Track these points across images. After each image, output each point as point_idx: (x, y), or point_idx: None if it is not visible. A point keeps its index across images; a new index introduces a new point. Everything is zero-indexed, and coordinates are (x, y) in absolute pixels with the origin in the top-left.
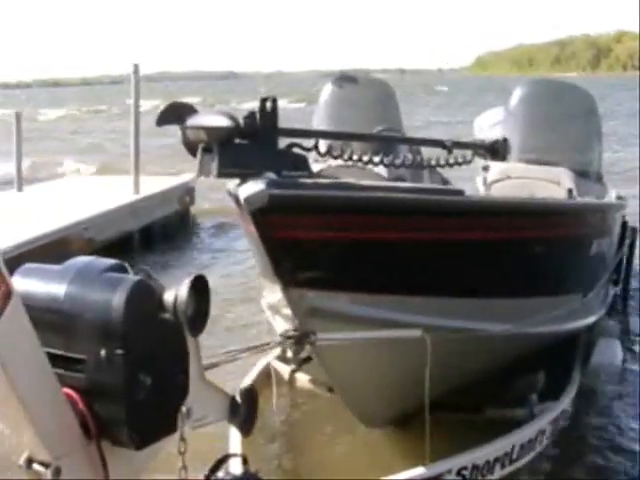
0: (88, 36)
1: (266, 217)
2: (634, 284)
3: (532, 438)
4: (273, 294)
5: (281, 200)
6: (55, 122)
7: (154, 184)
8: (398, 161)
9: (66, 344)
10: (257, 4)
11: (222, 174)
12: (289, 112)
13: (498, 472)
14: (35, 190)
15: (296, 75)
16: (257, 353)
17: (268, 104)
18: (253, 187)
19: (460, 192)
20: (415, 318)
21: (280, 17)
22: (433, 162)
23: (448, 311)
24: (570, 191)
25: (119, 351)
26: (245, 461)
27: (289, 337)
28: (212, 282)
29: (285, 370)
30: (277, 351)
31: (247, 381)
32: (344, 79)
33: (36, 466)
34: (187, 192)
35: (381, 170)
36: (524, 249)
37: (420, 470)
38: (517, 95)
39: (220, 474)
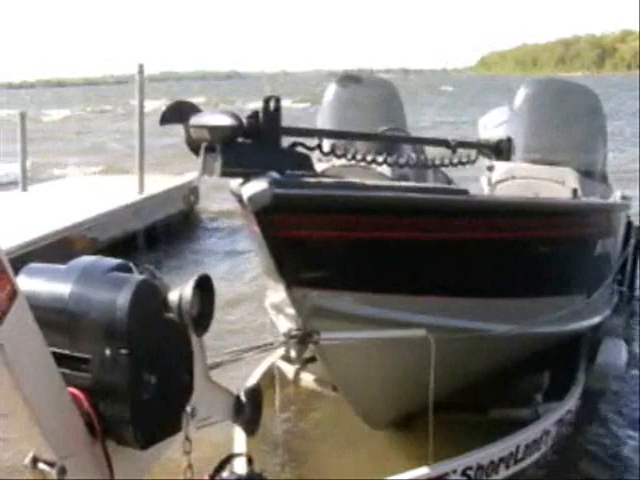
0: (92, 36)
1: (269, 216)
2: (639, 284)
3: (537, 438)
4: (277, 293)
5: (285, 199)
6: (60, 123)
7: (158, 184)
8: (402, 161)
9: (71, 344)
10: (261, 4)
11: (225, 173)
12: (294, 112)
13: (503, 472)
14: (39, 189)
15: (300, 75)
16: (261, 353)
17: (271, 103)
18: (256, 186)
19: (464, 192)
20: (419, 318)
21: (284, 17)
22: (437, 162)
23: (452, 311)
24: (575, 191)
25: (124, 351)
26: (250, 461)
27: (292, 337)
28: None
29: (290, 370)
30: (281, 351)
31: (251, 381)
32: (348, 79)
33: (41, 465)
34: (191, 191)
35: (385, 170)
36: (528, 249)
37: (425, 470)
38: (522, 95)
39: (225, 474)
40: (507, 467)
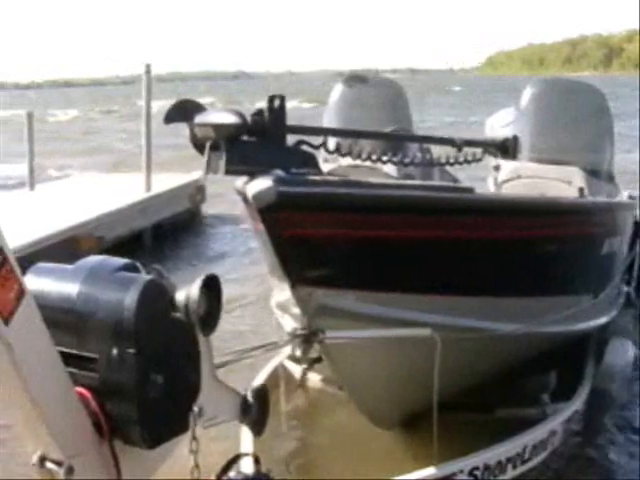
0: (99, 36)
1: (274, 214)
2: None
3: (544, 438)
4: (282, 293)
5: (289, 197)
6: (67, 123)
7: (165, 182)
8: (407, 159)
9: (79, 343)
10: (267, 4)
11: (230, 171)
12: (300, 112)
13: (510, 472)
14: (47, 188)
15: (306, 75)
16: (267, 352)
17: (276, 102)
18: (261, 184)
19: (470, 190)
20: (424, 317)
21: (290, 17)
22: (443, 160)
23: (458, 310)
24: (581, 190)
25: (131, 350)
26: (257, 461)
27: (297, 336)
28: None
29: (297, 370)
30: (288, 351)
31: (258, 381)
32: (354, 79)
33: (49, 464)
34: (198, 190)
35: (391, 170)
36: (535, 248)
37: (431, 470)
38: (528, 94)
39: (232, 474)
40: (514, 467)
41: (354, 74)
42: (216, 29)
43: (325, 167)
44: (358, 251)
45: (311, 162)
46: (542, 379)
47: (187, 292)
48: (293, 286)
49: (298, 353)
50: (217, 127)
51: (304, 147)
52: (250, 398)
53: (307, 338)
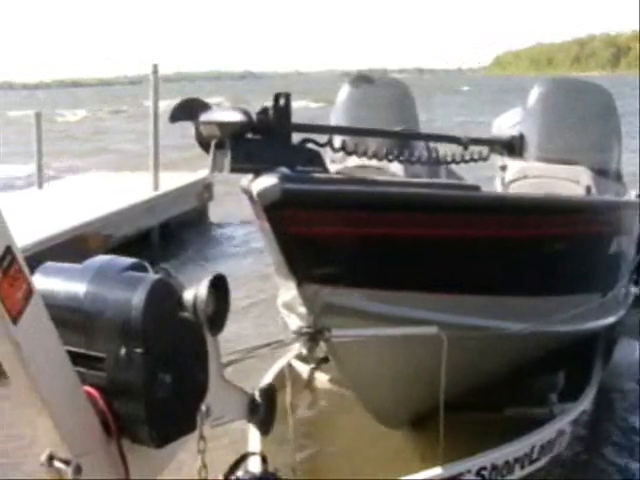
0: (106, 37)
1: (279, 212)
2: None
3: (552, 439)
4: (288, 291)
5: (295, 194)
6: (75, 124)
7: (173, 181)
8: (414, 158)
9: (86, 343)
10: (275, 4)
11: (235, 169)
12: (311, 112)
13: (518, 472)
14: (55, 187)
15: (313, 75)
16: (273, 351)
17: (281, 100)
18: (266, 181)
19: (476, 187)
20: (431, 315)
21: (297, 17)
22: (449, 158)
23: (464, 308)
24: (589, 189)
25: (139, 350)
26: (264, 460)
27: (303, 334)
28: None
29: (304, 369)
30: (295, 350)
31: (266, 380)
32: (361, 79)
33: (57, 463)
34: (205, 188)
35: (397, 169)
36: (542, 247)
37: (438, 470)
38: (535, 93)
39: (239, 473)
40: (522, 467)
41: (360, 74)
42: (223, 29)
43: (332, 168)
44: (364, 249)
45: (317, 160)
46: (550, 379)
47: (195, 291)
48: (299, 284)
49: (304, 351)
50: (222, 125)
51: (310, 145)
52: (258, 398)
53: (313, 336)
